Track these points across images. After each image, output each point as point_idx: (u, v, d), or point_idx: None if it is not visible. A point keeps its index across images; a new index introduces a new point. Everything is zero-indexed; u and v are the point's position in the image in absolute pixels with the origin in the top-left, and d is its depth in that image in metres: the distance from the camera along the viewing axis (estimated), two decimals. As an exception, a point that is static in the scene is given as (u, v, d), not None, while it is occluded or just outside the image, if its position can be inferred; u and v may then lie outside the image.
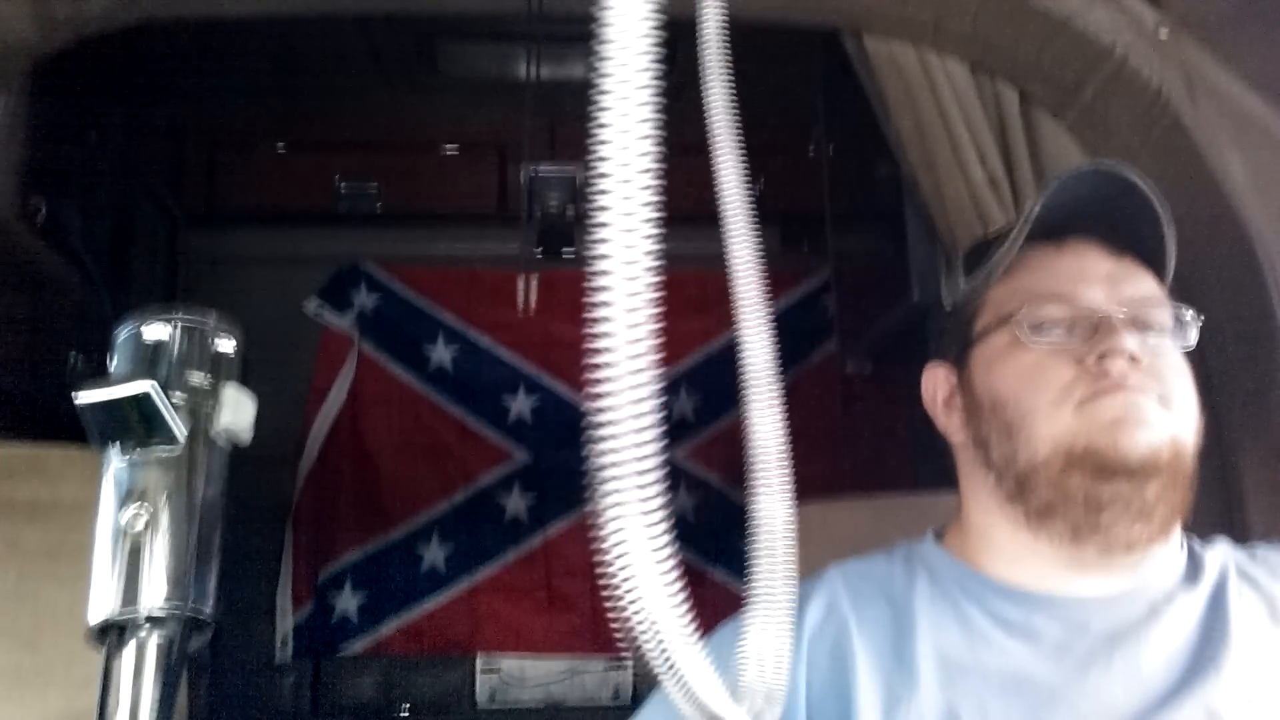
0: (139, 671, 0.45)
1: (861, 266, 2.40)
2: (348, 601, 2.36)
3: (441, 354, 2.48)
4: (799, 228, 2.51)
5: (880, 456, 2.38)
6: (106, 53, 1.38)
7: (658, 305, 0.32)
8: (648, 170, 0.32)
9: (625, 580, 0.32)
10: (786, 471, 0.47)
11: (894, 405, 2.37)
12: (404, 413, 2.44)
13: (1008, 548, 0.87)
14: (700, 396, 2.47)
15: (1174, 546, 0.87)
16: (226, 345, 0.51)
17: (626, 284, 0.31)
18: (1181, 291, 1.31)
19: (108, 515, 0.48)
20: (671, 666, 0.34)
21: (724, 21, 0.45)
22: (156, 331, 0.49)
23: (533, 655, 2.37)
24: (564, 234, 2.50)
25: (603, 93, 0.31)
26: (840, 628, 0.85)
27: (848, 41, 1.36)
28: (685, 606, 0.34)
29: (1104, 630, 0.81)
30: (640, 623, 0.33)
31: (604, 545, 0.32)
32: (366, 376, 2.43)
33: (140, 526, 0.46)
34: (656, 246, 0.32)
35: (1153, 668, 0.80)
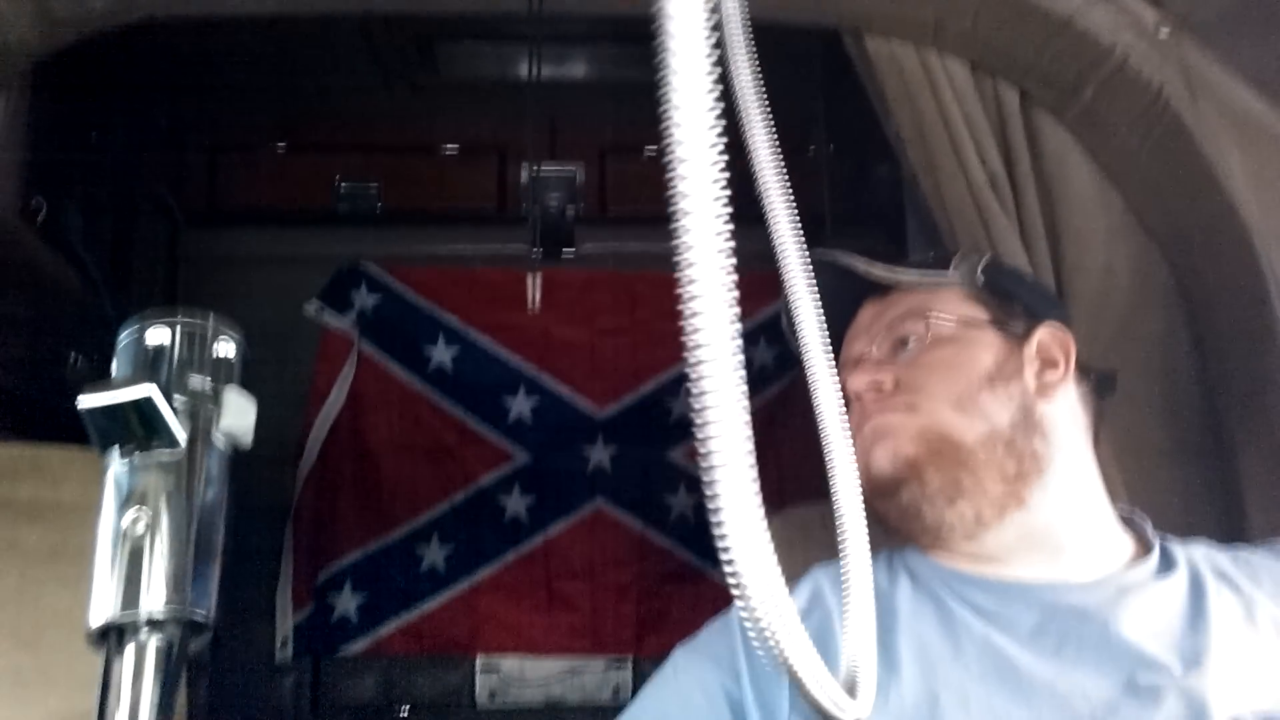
0: (138, 674, 0.45)
1: (862, 266, 2.39)
2: (348, 602, 2.36)
3: (441, 354, 2.48)
4: (799, 227, 2.51)
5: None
6: (107, 53, 1.38)
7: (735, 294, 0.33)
8: (719, 162, 0.33)
9: (732, 561, 0.33)
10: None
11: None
12: (404, 413, 2.44)
13: (946, 554, 0.94)
14: (700, 397, 2.47)
15: (1109, 525, 0.93)
16: (227, 348, 0.51)
17: (712, 268, 0.32)
18: (1181, 291, 1.32)
19: (108, 518, 0.48)
20: (779, 648, 0.35)
21: (747, 19, 0.46)
22: (157, 335, 0.49)
23: (533, 655, 2.37)
24: (564, 234, 2.50)
25: (672, 90, 0.31)
26: (823, 617, 0.88)
27: (848, 41, 1.36)
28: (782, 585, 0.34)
29: (1075, 611, 0.85)
30: (750, 613, 0.34)
31: (713, 519, 0.32)
32: (366, 377, 2.43)
33: (141, 530, 0.46)
34: (730, 232, 0.33)
35: (1128, 647, 0.82)
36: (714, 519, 0.33)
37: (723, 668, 0.88)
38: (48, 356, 1.61)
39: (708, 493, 0.33)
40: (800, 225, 0.47)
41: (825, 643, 0.87)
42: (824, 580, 0.93)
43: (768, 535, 0.33)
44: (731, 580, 0.33)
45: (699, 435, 0.33)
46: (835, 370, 1.01)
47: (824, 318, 0.97)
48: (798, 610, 0.89)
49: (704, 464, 0.33)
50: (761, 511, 0.34)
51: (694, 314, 0.32)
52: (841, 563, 0.50)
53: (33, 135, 1.45)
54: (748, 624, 0.34)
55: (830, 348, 0.53)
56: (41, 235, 1.60)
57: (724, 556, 0.33)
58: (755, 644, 0.35)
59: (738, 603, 0.34)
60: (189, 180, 2.48)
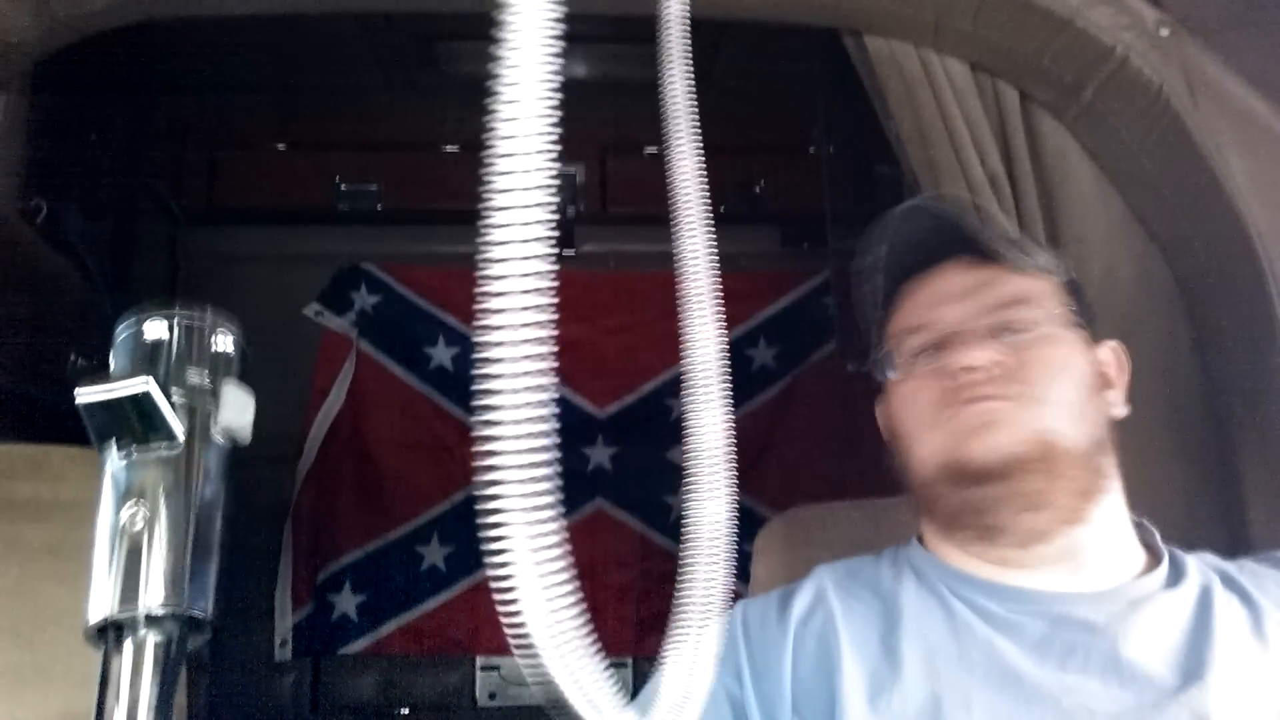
0: (137, 671, 0.45)
1: (862, 266, 2.39)
2: (348, 601, 2.36)
3: (442, 354, 2.48)
4: (799, 228, 2.51)
5: (880, 457, 2.37)
6: (107, 52, 1.38)
7: (551, 303, 0.32)
8: (541, 167, 0.31)
9: (510, 588, 0.32)
10: (729, 474, 0.47)
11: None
12: (404, 413, 2.44)
13: (958, 552, 0.91)
14: (699, 397, 2.47)
15: (1129, 538, 0.90)
16: (226, 343, 0.51)
17: (519, 280, 0.31)
18: (1182, 291, 1.31)
19: (106, 514, 0.48)
20: (565, 673, 0.34)
21: (686, 15, 0.45)
22: (155, 329, 0.49)
23: (533, 655, 2.36)
24: (564, 234, 2.50)
25: (503, 85, 0.31)
26: (827, 617, 0.88)
27: (848, 41, 1.36)
28: (575, 610, 0.33)
29: (1084, 624, 0.83)
30: (523, 630, 0.33)
31: (492, 554, 0.32)
32: (366, 376, 2.43)
33: (139, 525, 0.46)
34: (549, 245, 0.31)
35: (1134, 664, 0.81)
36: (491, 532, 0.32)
37: (725, 667, 0.87)
38: (48, 356, 1.61)
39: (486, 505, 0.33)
40: (714, 230, 0.44)
41: (827, 642, 0.86)
42: (828, 581, 0.92)
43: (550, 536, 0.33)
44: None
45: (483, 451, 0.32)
46: (885, 331, 0.96)
47: (891, 256, 0.94)
48: (800, 612, 0.88)
49: (486, 481, 0.32)
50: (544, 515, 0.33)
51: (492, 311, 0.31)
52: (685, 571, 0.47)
53: (33, 135, 1.45)
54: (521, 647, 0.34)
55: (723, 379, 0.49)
56: (41, 235, 1.60)
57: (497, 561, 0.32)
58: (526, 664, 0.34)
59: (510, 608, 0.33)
60: (189, 179, 2.48)
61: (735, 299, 2.49)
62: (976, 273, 0.94)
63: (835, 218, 2.25)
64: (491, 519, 0.32)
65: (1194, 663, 0.80)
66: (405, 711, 2.35)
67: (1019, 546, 0.86)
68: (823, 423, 2.41)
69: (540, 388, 0.32)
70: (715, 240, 0.45)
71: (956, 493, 0.87)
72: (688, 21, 0.44)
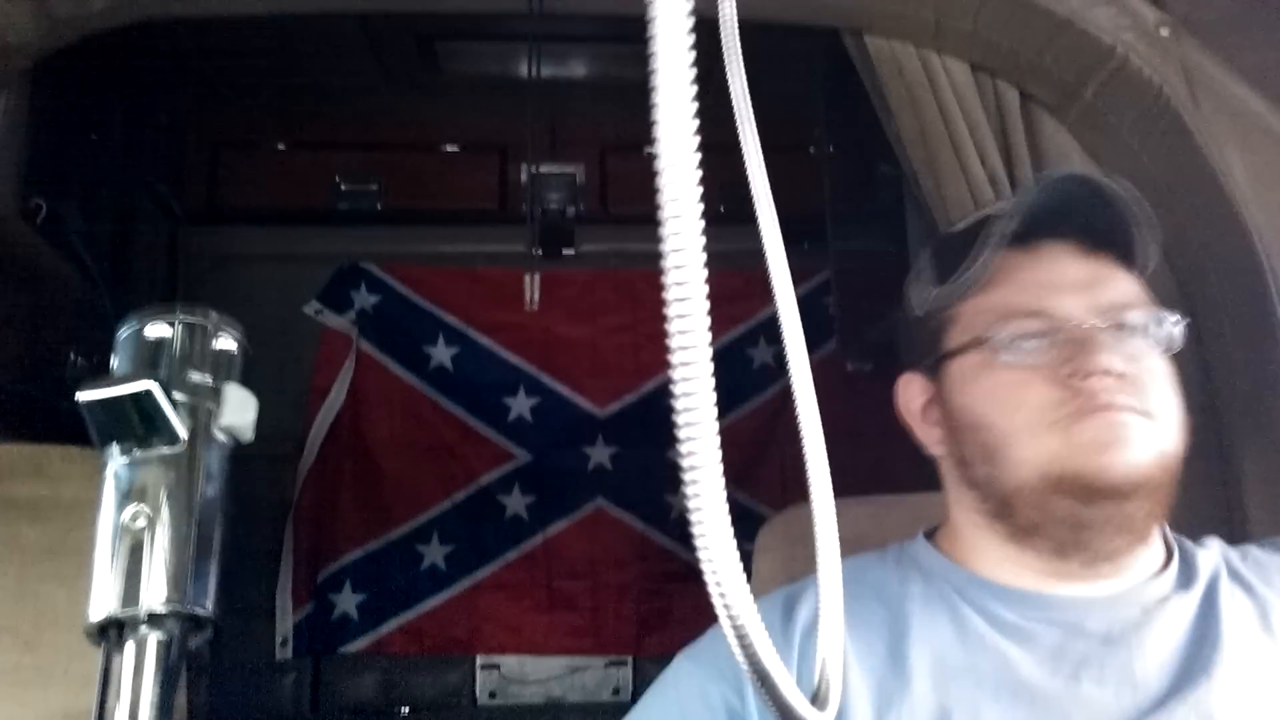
0: (138, 669, 0.45)
1: (861, 266, 2.40)
2: (348, 601, 2.36)
3: (442, 354, 2.48)
4: (799, 227, 2.51)
5: (881, 456, 2.37)
6: (107, 52, 1.38)
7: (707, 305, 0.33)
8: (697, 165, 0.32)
9: (712, 575, 0.33)
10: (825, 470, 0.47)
11: (894, 405, 2.37)
12: (404, 412, 2.45)
13: (995, 555, 0.86)
14: (700, 397, 2.47)
15: (1158, 543, 0.87)
16: (228, 344, 0.51)
17: (695, 275, 0.32)
18: (1182, 291, 1.31)
19: (108, 514, 0.48)
20: (753, 658, 0.34)
21: (736, 16, 0.45)
22: (158, 330, 0.49)
23: (533, 654, 2.37)
24: (564, 234, 2.50)
25: (659, 91, 0.31)
26: None
27: (848, 41, 1.36)
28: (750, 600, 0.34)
29: (1098, 633, 0.81)
30: (728, 617, 0.34)
31: (696, 540, 0.33)
32: (367, 376, 2.43)
33: (141, 525, 0.46)
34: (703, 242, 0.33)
35: (1145, 672, 0.79)
36: (695, 531, 0.33)
37: (725, 679, 0.84)
38: (48, 356, 1.61)
39: (689, 505, 0.33)
40: (781, 230, 0.45)
41: None
42: None
43: (734, 543, 0.34)
44: (713, 589, 0.33)
45: (680, 445, 0.33)
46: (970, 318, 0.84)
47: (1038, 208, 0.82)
48: (804, 621, 0.84)
49: (685, 474, 0.33)
50: (729, 520, 0.34)
51: (678, 316, 0.32)
52: (818, 571, 0.46)
53: (33, 135, 1.45)
54: (732, 636, 0.34)
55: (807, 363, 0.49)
56: (41, 234, 1.60)
57: (705, 568, 0.33)
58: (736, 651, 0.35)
59: (720, 613, 0.34)
60: (189, 179, 2.49)
61: (735, 299, 2.49)
62: (1088, 263, 0.85)
63: (835, 218, 2.25)
64: (695, 518, 0.33)
65: (1199, 663, 0.79)
66: (405, 711, 2.35)
67: (1089, 564, 0.82)
68: (823, 422, 2.40)
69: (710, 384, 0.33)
70: (708, 240, 0.46)
71: (1062, 505, 0.79)
72: (735, 12, 0.44)
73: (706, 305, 0.32)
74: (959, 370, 0.86)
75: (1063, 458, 0.79)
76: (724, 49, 0.45)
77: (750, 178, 0.44)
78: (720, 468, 0.33)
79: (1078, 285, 0.84)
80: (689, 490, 0.33)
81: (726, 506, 0.33)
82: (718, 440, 0.33)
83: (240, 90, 2.39)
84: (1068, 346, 0.81)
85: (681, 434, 0.33)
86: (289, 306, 2.42)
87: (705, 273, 0.32)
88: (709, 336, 0.33)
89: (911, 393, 0.92)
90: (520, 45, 2.18)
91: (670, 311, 0.32)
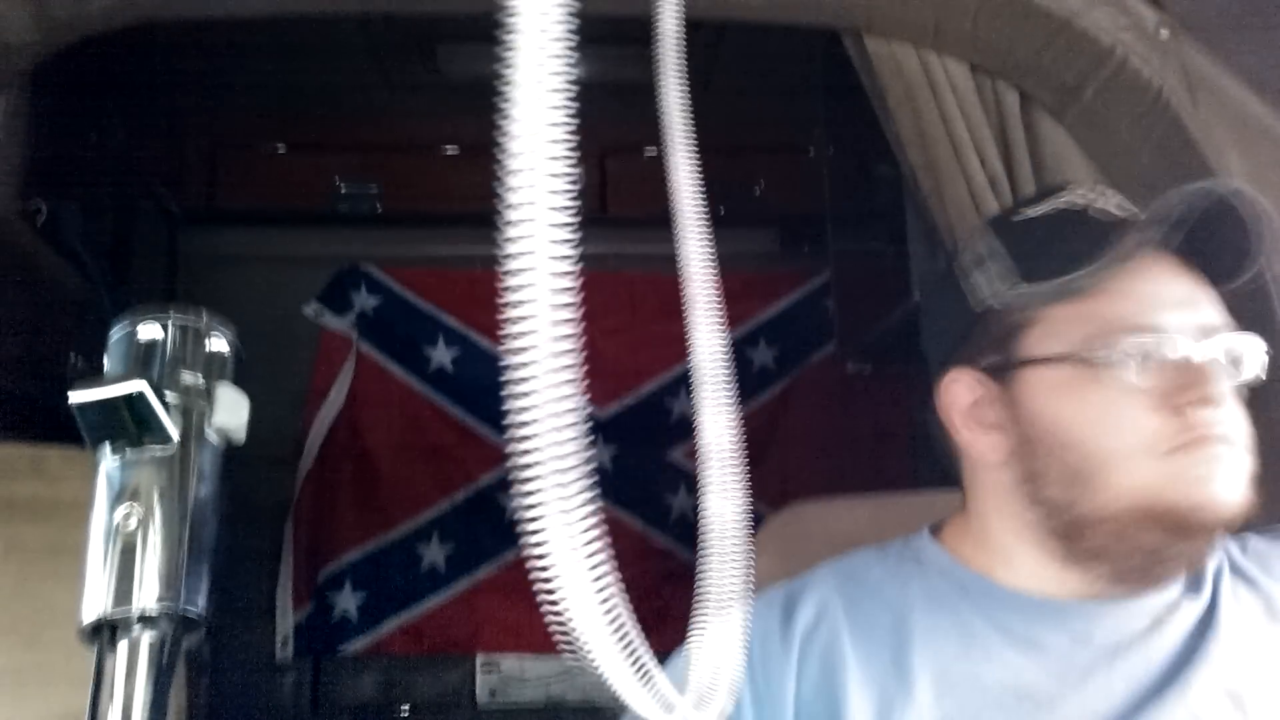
0: (131, 670, 0.45)
1: (861, 266, 2.40)
2: (348, 601, 2.36)
3: (441, 355, 2.48)
4: (799, 228, 2.51)
5: (880, 456, 2.38)
6: (106, 53, 1.38)
7: (577, 304, 0.32)
8: (561, 170, 0.31)
9: (554, 582, 0.32)
10: (739, 471, 0.46)
11: (894, 405, 2.37)
12: (404, 413, 2.45)
13: (1024, 564, 0.82)
14: (700, 397, 2.46)
15: None
16: (220, 345, 0.51)
17: (547, 281, 0.31)
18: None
19: (101, 515, 0.48)
20: (602, 666, 0.34)
21: (681, 19, 0.44)
22: (150, 331, 0.49)
23: (533, 654, 2.37)
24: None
25: (514, 91, 0.31)
26: (832, 633, 0.82)
27: (848, 42, 1.36)
28: (614, 606, 0.34)
29: (1107, 642, 0.79)
30: (570, 623, 0.33)
31: (533, 551, 0.32)
32: (366, 377, 2.44)
33: (133, 526, 0.46)
34: (572, 247, 0.32)
35: (1148, 678, 0.78)
36: (531, 530, 0.33)
37: None
38: (47, 356, 1.61)
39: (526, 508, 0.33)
40: (711, 234, 0.44)
41: (832, 661, 0.80)
42: (833, 590, 0.86)
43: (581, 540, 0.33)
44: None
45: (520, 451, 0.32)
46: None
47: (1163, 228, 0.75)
48: (804, 626, 0.82)
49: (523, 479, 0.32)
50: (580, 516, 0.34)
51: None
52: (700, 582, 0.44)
53: (33, 135, 1.45)
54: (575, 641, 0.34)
55: (728, 380, 0.47)
56: (41, 235, 1.60)
57: (544, 570, 0.33)
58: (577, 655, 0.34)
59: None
60: (188, 180, 2.49)
61: (735, 300, 2.49)
62: (1186, 279, 0.79)
63: (835, 218, 2.25)
64: (531, 519, 0.32)
65: (1198, 666, 0.78)
66: (405, 711, 2.35)
67: (1137, 585, 0.80)
68: (822, 423, 2.41)
69: (571, 383, 0.32)
70: (712, 242, 0.45)
71: (1148, 536, 0.75)
72: (682, 24, 0.44)
73: (566, 305, 0.31)
74: (1043, 380, 0.79)
75: (1161, 489, 0.74)
76: (660, 53, 0.44)
77: (670, 175, 0.44)
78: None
79: (1181, 302, 0.78)
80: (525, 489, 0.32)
81: (581, 512, 0.33)
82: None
83: (240, 91, 2.39)
84: (1178, 370, 0.75)
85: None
86: (288, 308, 2.42)
87: (558, 270, 0.31)
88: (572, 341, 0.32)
89: (957, 391, 0.85)
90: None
91: (512, 312, 0.32)
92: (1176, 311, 0.77)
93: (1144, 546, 0.76)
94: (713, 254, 0.45)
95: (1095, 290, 0.77)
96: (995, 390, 0.82)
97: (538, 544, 0.32)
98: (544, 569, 0.32)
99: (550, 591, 0.32)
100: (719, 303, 0.44)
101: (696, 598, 0.43)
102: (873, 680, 0.80)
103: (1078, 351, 0.77)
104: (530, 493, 0.32)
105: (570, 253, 0.31)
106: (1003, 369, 0.81)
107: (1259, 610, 0.82)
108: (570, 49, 0.31)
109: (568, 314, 0.32)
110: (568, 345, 0.32)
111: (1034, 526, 0.81)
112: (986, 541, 0.85)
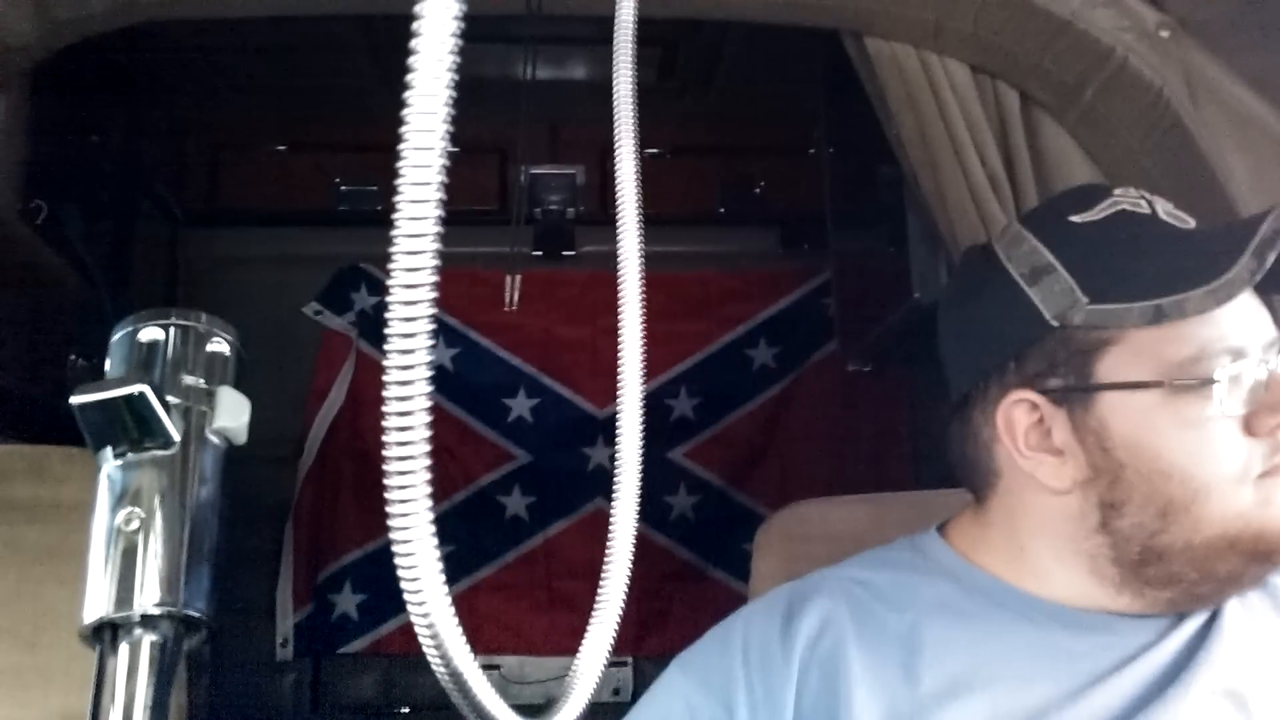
0: (133, 671, 0.45)
1: (861, 266, 2.40)
2: (348, 601, 2.36)
3: (442, 355, 2.48)
4: (799, 228, 2.51)
5: (880, 456, 2.38)
6: (107, 53, 1.38)
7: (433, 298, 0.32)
8: (438, 165, 0.32)
9: (412, 588, 0.33)
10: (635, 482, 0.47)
11: (894, 405, 2.37)
12: (404, 413, 2.45)
13: (1060, 581, 0.80)
14: (700, 397, 2.47)
15: None
16: (221, 347, 0.51)
17: (413, 291, 0.31)
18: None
19: (102, 517, 0.48)
20: (452, 672, 0.35)
21: (636, 18, 0.45)
22: (151, 333, 0.49)
23: (533, 655, 2.37)
24: (564, 235, 2.50)
25: (411, 91, 0.31)
26: (837, 642, 0.80)
27: (848, 42, 1.36)
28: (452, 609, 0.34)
29: (1128, 649, 0.78)
30: (426, 628, 0.34)
31: (398, 557, 0.32)
32: (366, 377, 2.43)
33: (134, 527, 0.47)
34: (438, 250, 0.32)
35: (1153, 677, 0.78)
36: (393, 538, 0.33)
37: (714, 695, 0.79)
38: (48, 357, 1.61)
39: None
40: (643, 231, 0.45)
41: (835, 672, 0.78)
42: (839, 597, 0.83)
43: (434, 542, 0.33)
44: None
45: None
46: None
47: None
48: (807, 636, 0.80)
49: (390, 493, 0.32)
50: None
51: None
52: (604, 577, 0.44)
53: (33, 135, 1.45)
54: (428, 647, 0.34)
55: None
56: (41, 235, 1.60)
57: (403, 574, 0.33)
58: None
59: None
60: (189, 180, 2.49)
61: (735, 299, 2.49)
62: (1255, 297, 0.77)
63: (835, 218, 2.25)
64: (395, 525, 0.33)
65: (1196, 668, 0.77)
66: (405, 711, 2.35)
67: (1192, 607, 0.79)
68: (823, 423, 2.41)
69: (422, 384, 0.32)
70: (643, 241, 0.46)
71: (1229, 564, 0.73)
72: (636, 26, 0.45)
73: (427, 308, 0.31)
74: (1130, 407, 0.75)
75: (1253, 516, 0.73)
76: (615, 49, 0.45)
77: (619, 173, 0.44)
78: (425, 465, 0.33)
79: (1259, 324, 0.76)
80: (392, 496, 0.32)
81: (430, 515, 0.33)
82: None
83: (240, 92, 2.39)
84: (1265, 391, 0.73)
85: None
86: (288, 308, 2.42)
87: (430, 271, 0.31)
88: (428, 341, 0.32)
89: (1019, 414, 0.79)
90: (520, 47, 2.18)
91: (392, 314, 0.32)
92: (1257, 333, 0.75)
93: (1218, 573, 0.74)
94: (641, 253, 0.45)
95: (1197, 308, 0.73)
96: (1062, 414, 0.78)
97: (405, 556, 0.32)
98: (407, 572, 0.32)
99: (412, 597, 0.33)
100: (644, 300, 0.45)
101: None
102: (881, 689, 0.77)
103: (1172, 377, 0.73)
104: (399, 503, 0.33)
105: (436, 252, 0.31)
106: (1075, 393, 0.77)
107: (1268, 607, 0.82)
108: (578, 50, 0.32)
109: (428, 311, 0.32)
110: (425, 344, 0.32)
111: (1090, 555, 0.78)
112: (1016, 555, 0.82)
